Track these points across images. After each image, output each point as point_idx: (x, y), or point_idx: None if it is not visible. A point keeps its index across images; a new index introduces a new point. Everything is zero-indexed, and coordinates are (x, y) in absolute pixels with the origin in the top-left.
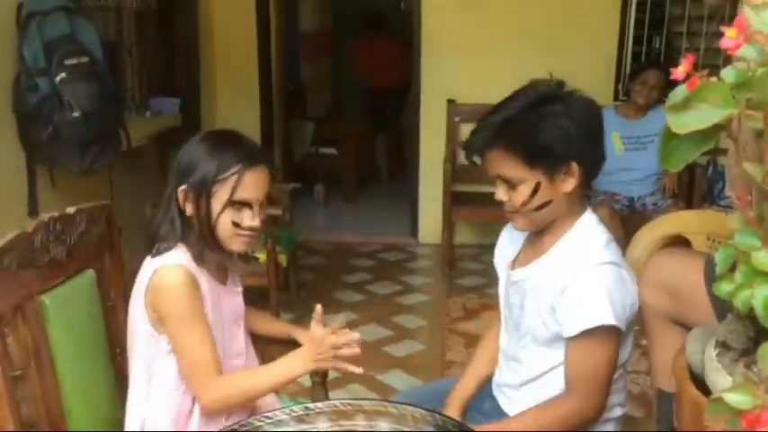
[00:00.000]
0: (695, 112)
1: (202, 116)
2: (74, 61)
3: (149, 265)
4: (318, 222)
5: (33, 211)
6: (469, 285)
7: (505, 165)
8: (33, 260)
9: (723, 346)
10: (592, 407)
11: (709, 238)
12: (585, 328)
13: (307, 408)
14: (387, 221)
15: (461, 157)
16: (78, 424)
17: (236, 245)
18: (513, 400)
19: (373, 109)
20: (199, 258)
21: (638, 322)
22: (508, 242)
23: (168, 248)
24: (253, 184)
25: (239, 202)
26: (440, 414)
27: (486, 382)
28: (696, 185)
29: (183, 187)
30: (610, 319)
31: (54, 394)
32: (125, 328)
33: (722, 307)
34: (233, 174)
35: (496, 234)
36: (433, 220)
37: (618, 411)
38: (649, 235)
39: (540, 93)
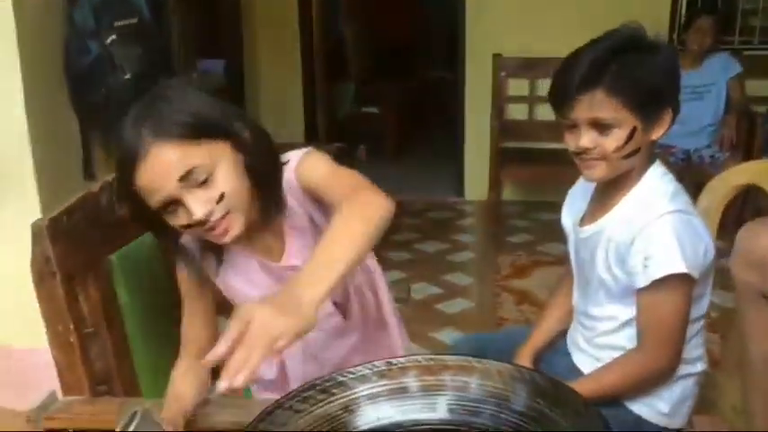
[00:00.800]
0: None
1: (246, 78)
2: (123, 22)
3: None
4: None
5: (90, 174)
6: (518, 242)
7: (605, 107)
8: (100, 219)
9: None
10: (664, 359)
11: None
12: (656, 278)
13: (389, 363)
14: (432, 179)
15: (508, 112)
16: (148, 379)
17: (216, 239)
18: (588, 355)
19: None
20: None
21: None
22: (575, 201)
23: None
24: (157, 174)
25: (161, 205)
26: (527, 369)
27: (559, 337)
28: (756, 137)
29: None
30: (681, 267)
31: (124, 352)
32: None
33: None
34: (135, 173)
35: (543, 191)
36: (478, 177)
37: (699, 366)
38: (722, 184)
39: (631, 36)
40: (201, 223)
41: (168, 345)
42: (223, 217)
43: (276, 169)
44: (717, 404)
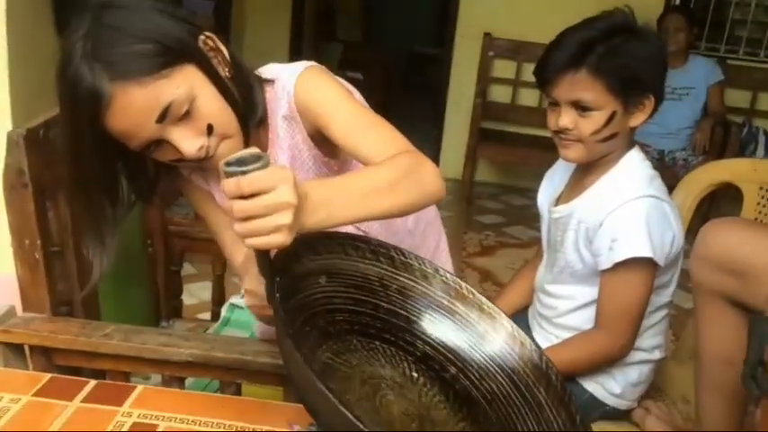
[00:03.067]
0: None
1: (233, 26)
2: None
3: None
4: None
5: None
6: (487, 223)
7: (588, 88)
8: None
9: None
10: (618, 342)
11: (762, 188)
12: (620, 260)
13: (437, 271)
14: None
15: (491, 94)
16: (110, 308)
17: (205, 173)
18: (548, 333)
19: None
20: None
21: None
22: (551, 182)
23: None
24: (126, 114)
25: (142, 146)
26: (548, 360)
27: (520, 312)
28: (729, 144)
29: None
30: (646, 252)
31: (89, 276)
32: (158, 222)
33: None
34: (104, 120)
35: (517, 175)
36: (455, 155)
37: (657, 354)
38: (697, 181)
39: (622, 21)
40: (198, 158)
41: (134, 276)
42: (218, 145)
43: (250, 87)
44: (667, 392)
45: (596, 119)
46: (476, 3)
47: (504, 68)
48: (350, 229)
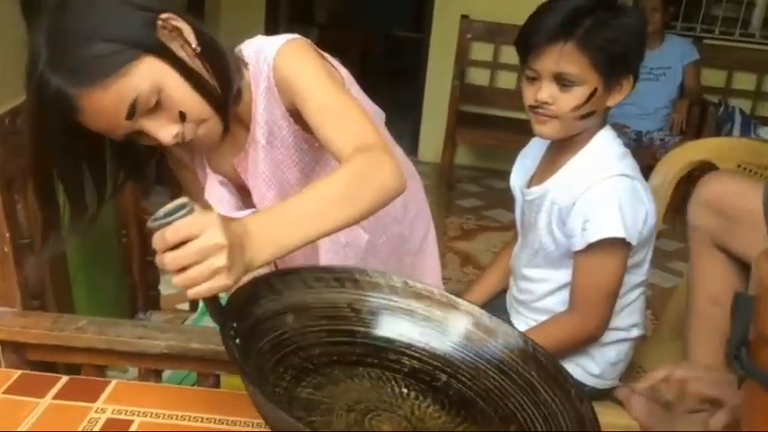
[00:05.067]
0: None
1: (207, 8)
2: None
3: None
4: None
5: None
6: (467, 206)
7: (572, 61)
8: None
9: None
10: (592, 323)
11: (740, 166)
12: (593, 241)
13: (406, 283)
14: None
15: (470, 77)
16: (84, 301)
17: (199, 146)
18: (525, 317)
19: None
20: None
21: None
22: (524, 163)
23: None
24: (94, 122)
25: (126, 137)
26: (533, 342)
27: (497, 297)
28: (706, 124)
29: None
30: (618, 232)
31: (61, 268)
32: (132, 212)
33: None
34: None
35: (497, 158)
36: (434, 138)
37: (635, 332)
38: (676, 160)
39: None
40: (177, 144)
41: (109, 266)
42: (196, 129)
43: (223, 61)
44: (648, 372)
45: (577, 94)
46: None
47: (482, 51)
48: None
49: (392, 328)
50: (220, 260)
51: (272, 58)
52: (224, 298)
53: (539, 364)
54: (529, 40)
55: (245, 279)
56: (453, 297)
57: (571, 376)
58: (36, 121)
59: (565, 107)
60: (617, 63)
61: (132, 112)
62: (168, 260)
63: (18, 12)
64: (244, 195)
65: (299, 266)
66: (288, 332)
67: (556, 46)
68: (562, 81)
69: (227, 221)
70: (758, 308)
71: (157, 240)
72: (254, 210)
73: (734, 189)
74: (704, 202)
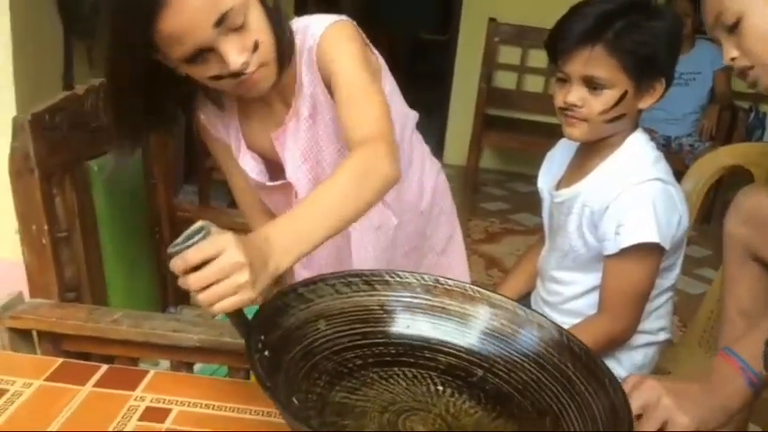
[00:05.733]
0: None
1: None
2: None
3: None
4: None
5: (68, 86)
6: (492, 210)
7: (602, 64)
8: (83, 123)
9: None
10: (622, 327)
11: None
12: (626, 246)
13: (437, 281)
14: None
15: (496, 80)
16: (117, 294)
17: (247, 91)
18: (553, 320)
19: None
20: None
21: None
22: (551, 165)
23: None
24: (185, 18)
25: (191, 55)
26: (567, 332)
27: (524, 298)
28: (736, 130)
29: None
30: (653, 237)
31: (96, 262)
32: (165, 209)
33: None
34: (153, 28)
35: (522, 162)
36: (460, 141)
37: (662, 336)
38: (709, 165)
39: None
40: (235, 75)
41: (141, 262)
42: (256, 70)
43: (284, 26)
44: (673, 373)
45: (607, 98)
46: None
47: (509, 54)
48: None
49: (426, 326)
50: (243, 277)
51: (318, 35)
52: (250, 311)
53: (573, 354)
54: (557, 43)
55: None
56: (486, 291)
57: (605, 365)
58: (117, 21)
59: (594, 110)
60: (647, 66)
61: (221, 21)
62: (192, 281)
63: (55, 14)
64: (273, 171)
65: (326, 274)
66: (320, 338)
67: (585, 49)
68: (592, 84)
69: (244, 238)
70: None
71: (178, 263)
72: (284, 180)
73: (766, 199)
74: (742, 212)
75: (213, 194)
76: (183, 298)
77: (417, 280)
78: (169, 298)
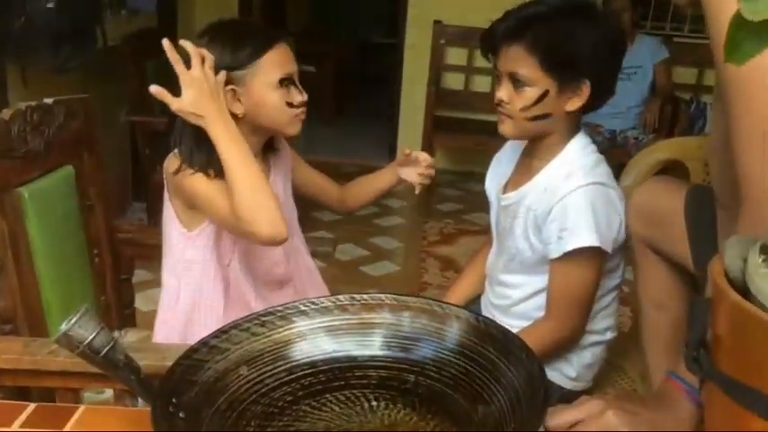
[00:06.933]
0: None
1: (179, 19)
2: None
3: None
4: (293, 141)
5: (4, 104)
6: (446, 210)
7: (522, 63)
8: (10, 149)
9: None
10: (569, 329)
11: (707, 164)
12: (569, 250)
13: (353, 298)
14: (365, 143)
15: (445, 81)
16: (57, 323)
17: (293, 126)
18: (502, 323)
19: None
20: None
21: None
22: (499, 167)
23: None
24: (287, 57)
25: (284, 78)
26: (483, 317)
27: (472, 302)
28: (678, 121)
29: (229, 87)
30: (594, 241)
31: (32, 289)
32: (104, 231)
33: (697, 236)
34: (266, 53)
35: (475, 161)
36: (412, 143)
37: (609, 335)
38: (645, 160)
39: (578, 1)
40: (303, 104)
41: (81, 287)
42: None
43: None
44: (627, 371)
45: (528, 95)
46: None
47: (456, 55)
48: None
49: (351, 345)
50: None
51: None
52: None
53: (493, 338)
54: (484, 40)
55: None
56: (402, 297)
57: (519, 339)
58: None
59: (517, 106)
60: (567, 67)
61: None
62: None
63: None
64: None
65: (237, 320)
66: (244, 385)
67: (509, 47)
68: (516, 81)
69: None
70: (715, 311)
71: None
72: None
73: (661, 193)
74: (639, 210)
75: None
76: (128, 320)
77: (333, 302)
78: (113, 322)
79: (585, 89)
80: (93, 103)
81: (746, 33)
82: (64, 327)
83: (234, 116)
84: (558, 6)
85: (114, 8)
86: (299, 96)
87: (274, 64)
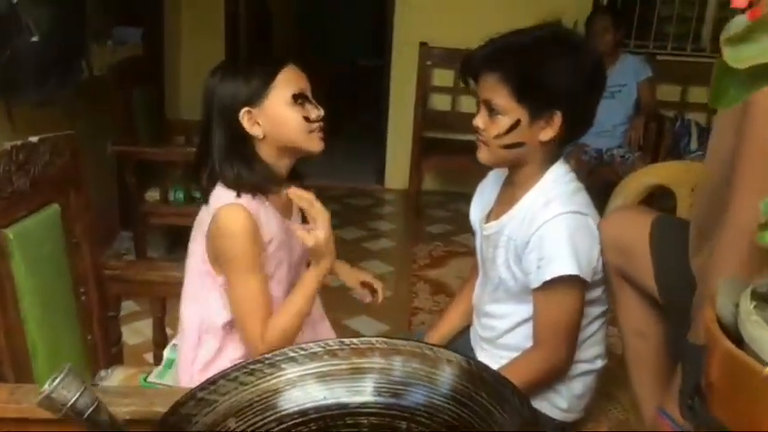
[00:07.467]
0: (756, 44)
1: (166, 46)
2: None
3: (212, 204)
4: None
5: None
6: (436, 233)
7: (496, 91)
8: None
9: (761, 298)
10: (556, 358)
11: (693, 189)
12: (547, 279)
13: (342, 343)
14: (353, 166)
15: (432, 103)
16: (43, 364)
17: (313, 142)
18: (491, 354)
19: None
20: (264, 188)
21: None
22: (482, 197)
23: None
24: (298, 75)
25: (298, 95)
26: (474, 361)
27: (461, 334)
28: (663, 139)
29: (244, 109)
30: (572, 269)
31: (17, 331)
32: (90, 269)
33: (661, 266)
34: (278, 74)
35: (463, 182)
36: (400, 165)
37: (599, 363)
38: (633, 185)
39: (558, 33)
40: (320, 119)
41: (68, 327)
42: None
43: None
44: (620, 400)
45: (501, 123)
46: (410, 12)
47: (442, 77)
48: None
49: (342, 391)
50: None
51: None
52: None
53: (484, 382)
54: (463, 70)
55: None
56: (393, 341)
57: (510, 383)
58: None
59: (491, 133)
60: (538, 98)
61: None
62: None
63: None
64: None
65: (226, 369)
66: None
67: (486, 77)
68: (490, 109)
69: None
70: (708, 358)
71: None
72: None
73: (628, 223)
74: (608, 240)
75: (150, 240)
76: (115, 358)
77: (323, 347)
78: (100, 362)
79: (557, 120)
80: (79, 140)
81: (731, 80)
82: (47, 388)
83: (256, 138)
84: (538, 37)
85: (100, 40)
86: (316, 111)
87: (286, 82)
